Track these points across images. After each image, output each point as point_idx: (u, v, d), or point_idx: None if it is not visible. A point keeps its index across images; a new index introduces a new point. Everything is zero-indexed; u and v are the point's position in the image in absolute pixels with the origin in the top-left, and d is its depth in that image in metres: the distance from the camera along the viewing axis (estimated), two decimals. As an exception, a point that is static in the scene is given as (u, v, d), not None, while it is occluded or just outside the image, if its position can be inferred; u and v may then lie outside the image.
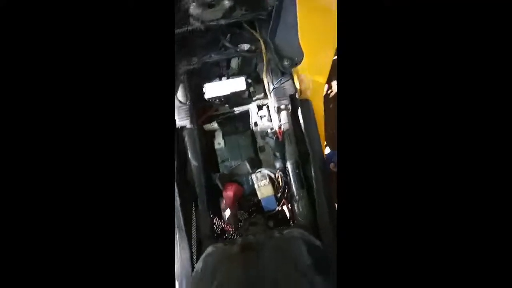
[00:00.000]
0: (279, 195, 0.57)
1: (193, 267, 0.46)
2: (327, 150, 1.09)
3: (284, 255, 0.37)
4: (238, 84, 0.57)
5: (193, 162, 0.57)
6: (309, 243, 0.40)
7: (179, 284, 0.45)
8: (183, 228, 0.50)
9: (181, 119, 0.55)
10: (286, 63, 0.59)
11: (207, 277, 0.34)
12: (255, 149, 0.61)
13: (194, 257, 0.48)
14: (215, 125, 0.62)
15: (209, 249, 0.40)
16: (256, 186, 0.57)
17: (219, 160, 0.61)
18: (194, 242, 0.51)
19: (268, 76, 0.59)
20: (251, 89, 0.61)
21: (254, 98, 0.62)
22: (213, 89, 0.56)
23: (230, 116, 0.63)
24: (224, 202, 0.58)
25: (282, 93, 0.57)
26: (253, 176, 0.58)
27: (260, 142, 0.60)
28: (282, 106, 0.57)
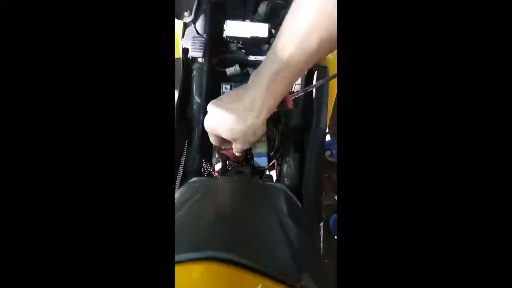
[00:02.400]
0: (272, 153, 0.57)
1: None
2: (327, 137, 1.07)
3: (263, 195, 0.37)
4: (261, 29, 0.53)
5: (196, 99, 0.56)
6: (290, 198, 0.40)
7: None
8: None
9: (194, 50, 0.53)
10: (315, 22, 0.55)
11: (186, 194, 0.34)
12: (260, 103, 0.59)
13: (177, 186, 0.49)
14: (231, 69, 0.59)
15: (193, 179, 0.41)
16: (252, 139, 0.56)
17: (222, 105, 0.59)
18: (179, 174, 0.52)
19: (294, 31, 0.56)
20: (272, 40, 0.58)
21: (272, 51, 0.59)
22: (234, 28, 0.53)
23: (243, 63, 0.61)
24: (218, 154, 0.57)
25: (303, 53, 0.55)
26: (252, 129, 0.57)
27: None
28: (299, 66, 0.54)
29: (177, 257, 0.22)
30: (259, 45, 0.59)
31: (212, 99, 0.61)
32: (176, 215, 0.28)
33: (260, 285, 0.22)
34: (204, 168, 0.58)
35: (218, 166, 0.60)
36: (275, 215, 0.32)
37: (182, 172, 0.52)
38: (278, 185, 0.43)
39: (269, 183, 0.42)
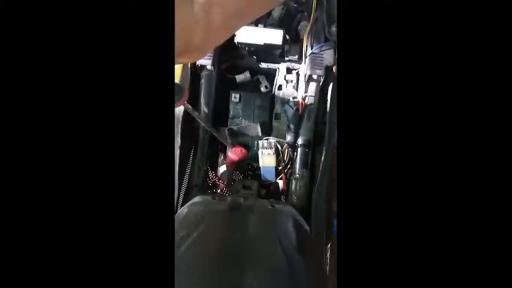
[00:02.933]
0: (280, 168, 0.54)
1: (176, 210, 0.45)
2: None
3: (269, 226, 0.35)
4: (274, 36, 0.50)
5: (204, 108, 0.53)
6: (298, 224, 0.38)
7: None
8: (177, 169, 0.49)
9: (203, 58, 0.50)
10: (334, 29, 0.51)
11: (189, 224, 0.32)
12: (270, 114, 0.56)
13: (180, 200, 0.47)
14: (241, 77, 0.57)
15: (197, 199, 0.38)
16: (260, 152, 0.54)
17: (230, 115, 0.57)
18: (183, 187, 0.50)
19: (310, 38, 0.52)
20: (286, 47, 0.54)
21: (286, 59, 0.55)
22: (246, 34, 0.50)
23: (254, 72, 0.58)
24: (224, 159, 0.56)
25: (319, 62, 0.51)
26: (260, 141, 0.54)
27: (277, 109, 0.56)
28: (314, 76, 0.51)
29: None
30: (272, 52, 0.55)
31: (220, 108, 0.59)
32: (176, 252, 0.26)
33: None
34: (209, 177, 0.56)
35: (222, 168, 0.58)
36: (281, 251, 0.29)
37: (187, 186, 0.50)
38: (286, 208, 0.41)
39: (276, 206, 0.40)
